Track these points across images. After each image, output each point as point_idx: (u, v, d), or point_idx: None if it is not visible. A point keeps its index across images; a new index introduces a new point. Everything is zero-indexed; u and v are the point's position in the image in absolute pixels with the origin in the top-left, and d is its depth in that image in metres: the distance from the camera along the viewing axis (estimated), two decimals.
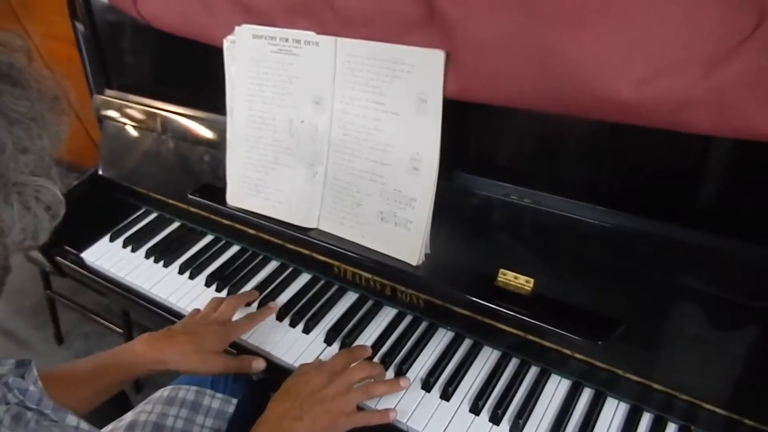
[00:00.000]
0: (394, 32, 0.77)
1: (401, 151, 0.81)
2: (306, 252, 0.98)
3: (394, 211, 0.83)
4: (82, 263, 1.12)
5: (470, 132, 0.80)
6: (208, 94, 1.01)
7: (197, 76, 1.08)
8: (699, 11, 0.57)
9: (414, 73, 0.77)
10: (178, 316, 0.99)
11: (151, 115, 1.14)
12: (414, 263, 0.82)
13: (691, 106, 0.58)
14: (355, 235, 0.88)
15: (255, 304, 0.97)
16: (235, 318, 0.91)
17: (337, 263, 0.95)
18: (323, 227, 0.91)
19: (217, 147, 1.02)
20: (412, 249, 0.82)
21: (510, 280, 0.77)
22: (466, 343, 0.86)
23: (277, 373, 0.86)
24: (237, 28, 0.91)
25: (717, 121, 0.58)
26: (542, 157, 0.76)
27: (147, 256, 1.10)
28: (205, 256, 1.08)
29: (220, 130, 1.00)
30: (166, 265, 1.08)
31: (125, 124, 1.18)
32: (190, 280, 1.04)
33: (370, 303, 0.95)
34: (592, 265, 0.72)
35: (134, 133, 1.17)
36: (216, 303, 0.92)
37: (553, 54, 0.64)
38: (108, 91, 1.22)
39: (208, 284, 1.02)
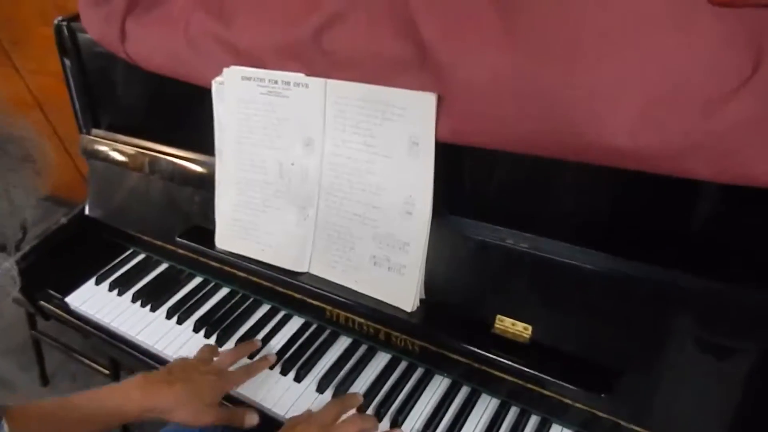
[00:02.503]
0: (384, 74, 0.76)
1: (394, 194, 0.79)
2: (297, 296, 0.95)
3: (387, 256, 0.81)
4: (66, 308, 1.09)
5: (464, 174, 0.78)
6: (197, 135, 1.00)
7: (186, 116, 1.07)
8: (694, 54, 0.56)
9: (405, 116, 0.75)
10: (165, 363, 0.95)
11: (139, 156, 1.12)
12: (408, 309, 0.80)
13: (688, 152, 0.57)
14: (348, 280, 0.86)
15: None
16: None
17: (329, 308, 0.92)
18: (315, 271, 0.89)
19: (206, 188, 1.00)
20: (406, 295, 0.80)
21: (507, 327, 0.75)
22: (464, 391, 0.83)
23: (267, 425, 0.82)
24: (225, 70, 0.90)
25: (716, 168, 0.56)
26: (539, 200, 0.74)
27: (134, 300, 1.07)
28: (194, 300, 1.05)
29: (209, 171, 0.99)
30: (153, 310, 1.05)
31: (113, 164, 1.16)
32: (178, 326, 1.01)
33: (363, 348, 0.92)
34: (593, 312, 0.70)
35: (122, 173, 1.15)
36: (208, 351, 0.89)
37: (547, 98, 0.63)
38: (96, 131, 1.20)
39: (196, 330, 0.99)
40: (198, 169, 1.04)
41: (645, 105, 0.58)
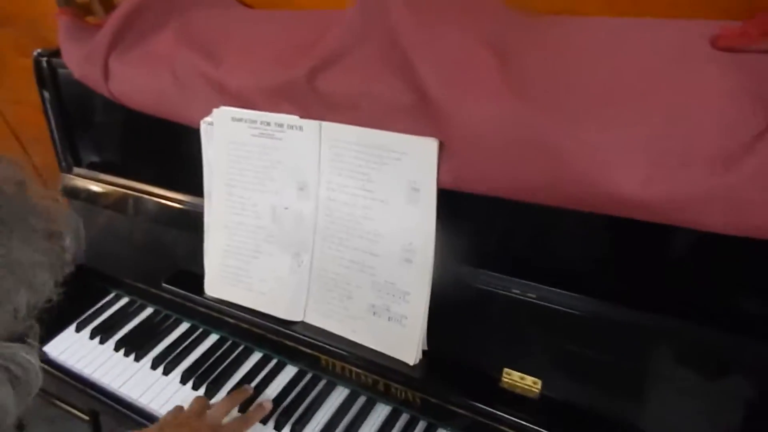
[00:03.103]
0: (382, 118, 0.74)
1: (392, 241, 0.76)
2: (291, 344, 0.91)
3: (387, 305, 0.77)
4: (44, 357, 1.03)
5: (468, 222, 0.75)
6: (184, 175, 0.96)
7: (173, 155, 1.03)
8: (703, 107, 0.55)
9: (404, 161, 0.72)
10: (150, 418, 0.90)
11: (123, 196, 1.07)
12: (411, 362, 0.76)
13: (700, 204, 0.54)
14: (345, 330, 0.82)
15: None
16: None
17: (325, 357, 0.88)
18: (310, 320, 0.85)
19: (194, 231, 0.96)
20: (407, 346, 0.76)
21: (516, 381, 0.71)
22: None
23: None
24: (215, 111, 0.86)
25: (727, 220, 0.54)
26: (546, 249, 0.72)
27: (117, 349, 1.02)
28: (181, 348, 1.00)
29: (197, 213, 0.94)
30: (137, 359, 0.99)
31: (95, 204, 1.11)
32: (164, 377, 0.96)
33: (362, 400, 0.87)
34: (604, 365, 0.67)
35: (105, 213, 1.11)
36: (199, 403, 0.84)
37: (554, 147, 0.60)
38: (77, 170, 1.16)
39: (183, 381, 0.94)
40: (185, 210, 1.00)
41: (656, 157, 0.55)
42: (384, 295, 0.77)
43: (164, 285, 0.97)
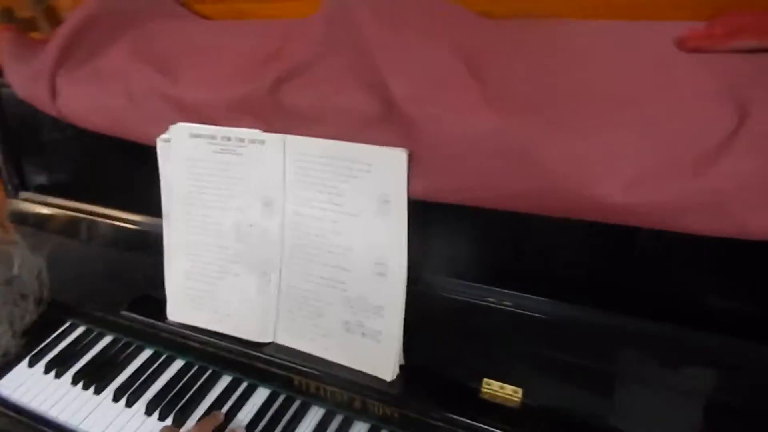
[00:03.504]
0: (348, 129, 0.72)
1: (363, 254, 0.74)
2: (262, 366, 0.87)
3: (360, 321, 0.75)
4: None
5: (439, 231, 0.74)
6: (140, 195, 0.92)
7: (127, 175, 0.98)
8: (682, 110, 0.55)
9: (373, 173, 0.71)
10: None
11: (75, 220, 1.02)
12: (388, 378, 0.74)
13: (682, 208, 0.54)
14: (318, 349, 0.79)
15: None
16: None
17: (298, 377, 0.85)
18: (281, 341, 0.82)
19: (153, 253, 0.91)
20: (384, 363, 0.74)
21: (496, 391, 0.70)
22: None
23: None
24: (172, 127, 0.83)
25: (710, 223, 0.54)
26: (520, 256, 0.71)
27: (74, 382, 0.96)
28: (144, 377, 0.95)
29: (156, 234, 0.90)
30: (97, 392, 0.94)
31: (44, 230, 1.06)
32: (128, 408, 0.91)
33: (338, 419, 0.85)
34: (584, 369, 0.66)
35: (56, 239, 1.05)
36: None
37: (533, 156, 0.59)
38: (24, 193, 1.10)
39: (149, 412, 0.89)
40: (143, 232, 0.95)
41: (635, 163, 0.55)
42: (357, 311, 0.75)
43: (124, 312, 0.92)
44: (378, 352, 0.74)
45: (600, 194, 0.57)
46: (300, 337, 0.80)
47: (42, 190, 1.08)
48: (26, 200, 1.08)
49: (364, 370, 0.75)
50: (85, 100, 0.91)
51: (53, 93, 0.93)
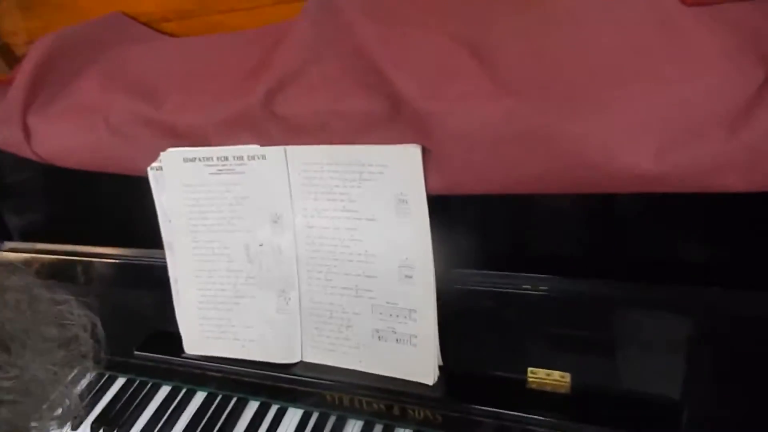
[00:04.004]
0: (351, 133, 0.69)
1: (387, 258, 0.71)
2: (290, 387, 0.84)
3: (392, 327, 0.73)
4: None
5: (460, 223, 0.72)
6: (135, 229, 0.88)
7: (118, 209, 0.94)
8: (700, 69, 0.53)
9: (387, 174, 0.68)
10: None
11: (68, 263, 0.97)
12: (430, 382, 0.72)
13: (718, 168, 0.53)
14: (351, 362, 0.76)
15: None
16: None
17: (330, 393, 0.82)
18: (309, 359, 0.79)
19: (159, 287, 0.87)
20: (423, 367, 0.72)
21: (543, 379, 0.69)
22: None
23: None
24: (163, 154, 0.79)
25: (747, 178, 0.53)
26: (551, 238, 0.69)
27: (93, 431, 0.92)
28: (167, 416, 0.92)
29: (157, 267, 0.86)
30: None
31: (37, 278, 1.00)
32: None
33: (379, 428, 0.82)
34: (631, 346, 0.65)
35: (50, 286, 1.00)
36: None
37: (553, 136, 0.57)
38: (8, 244, 1.04)
39: None
40: (143, 266, 0.91)
41: (662, 131, 0.54)
42: (387, 317, 0.73)
43: (138, 353, 0.88)
44: (415, 357, 0.72)
45: (630, 165, 0.55)
46: (330, 352, 0.77)
47: (28, 237, 1.03)
48: (11, 250, 1.03)
49: (403, 377, 0.73)
50: (63, 138, 0.86)
51: (27, 134, 0.88)
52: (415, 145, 0.65)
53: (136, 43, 0.93)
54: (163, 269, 0.86)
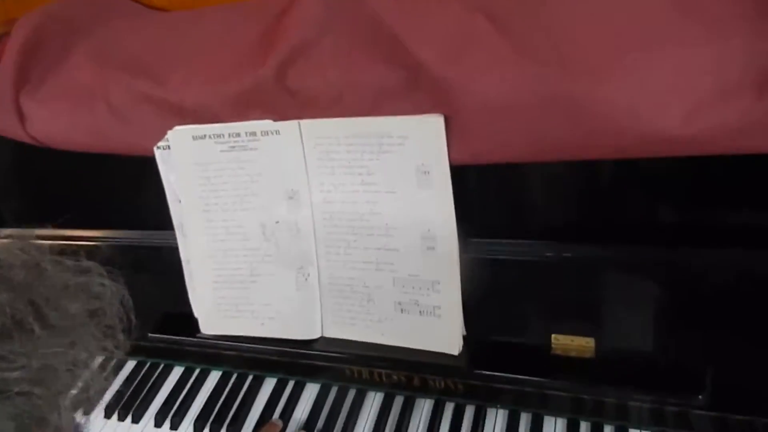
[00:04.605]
0: (368, 106, 0.68)
1: (408, 231, 0.71)
2: (308, 362, 0.84)
3: (415, 299, 0.73)
4: None
5: (477, 193, 0.71)
6: (140, 208, 0.86)
7: (121, 189, 0.91)
8: (731, 31, 0.53)
9: (407, 145, 0.67)
10: None
11: (70, 248, 0.94)
12: (455, 352, 0.72)
13: (749, 130, 0.53)
14: (373, 335, 0.77)
15: None
16: None
17: (350, 366, 0.82)
18: (330, 334, 0.79)
19: (169, 268, 0.86)
20: (448, 337, 0.72)
21: (568, 344, 0.70)
22: (525, 418, 0.77)
23: None
24: (170, 132, 0.76)
25: None
26: (571, 203, 0.69)
27: (107, 416, 0.91)
28: (182, 396, 0.91)
29: (168, 247, 0.85)
30: (135, 420, 0.89)
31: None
32: None
33: (400, 401, 0.83)
34: (655, 308, 0.66)
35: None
36: None
37: (580, 100, 0.57)
38: (3, 230, 1.01)
39: (198, 431, 0.86)
40: (152, 248, 0.89)
41: (693, 91, 0.53)
42: (409, 289, 0.73)
43: (152, 335, 0.87)
44: (440, 328, 0.72)
45: (659, 128, 0.55)
46: (351, 326, 0.77)
47: (25, 223, 0.99)
48: (8, 237, 0.99)
49: (427, 348, 0.74)
50: (60, 120, 0.83)
51: (21, 117, 0.84)
52: (438, 114, 0.64)
53: (126, 18, 0.90)
54: (171, 250, 0.84)
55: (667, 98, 0.54)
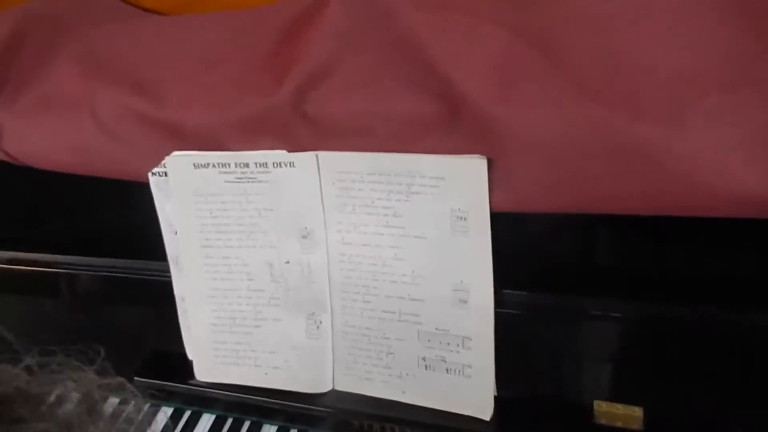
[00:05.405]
0: (402, 140, 0.60)
1: (438, 281, 0.63)
2: (315, 412, 0.76)
3: (442, 356, 0.65)
4: None
5: (516, 241, 0.64)
6: (129, 237, 0.78)
7: (110, 214, 0.82)
8: None
9: (443, 187, 0.59)
10: None
11: (48, 276, 0.85)
12: (486, 417, 0.65)
13: None
14: (392, 392, 0.69)
15: None
16: None
17: (358, 421, 0.74)
18: (342, 387, 0.71)
19: (158, 302, 0.77)
20: (478, 399, 0.65)
21: (613, 412, 0.63)
22: None
23: None
24: (168, 158, 0.67)
25: None
26: (616, 254, 0.62)
27: None
28: None
29: (159, 280, 0.76)
30: None
31: (12, 292, 0.88)
32: None
33: None
34: (716, 374, 0.59)
35: (28, 300, 0.88)
36: None
37: (653, 151, 0.49)
38: None
39: None
40: (140, 280, 0.80)
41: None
42: (436, 344, 0.65)
43: (137, 379, 0.78)
44: (469, 389, 0.65)
45: (739, 187, 0.48)
46: (367, 381, 0.69)
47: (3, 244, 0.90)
48: None
49: (455, 410, 0.66)
50: (40, 136, 0.74)
51: None
52: (480, 156, 0.56)
53: (117, 22, 0.80)
54: (163, 284, 0.75)
55: (759, 151, 0.47)
